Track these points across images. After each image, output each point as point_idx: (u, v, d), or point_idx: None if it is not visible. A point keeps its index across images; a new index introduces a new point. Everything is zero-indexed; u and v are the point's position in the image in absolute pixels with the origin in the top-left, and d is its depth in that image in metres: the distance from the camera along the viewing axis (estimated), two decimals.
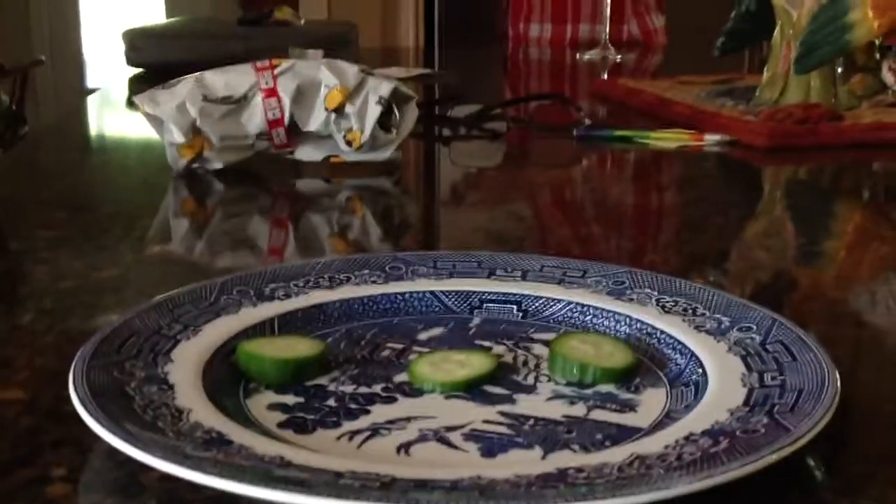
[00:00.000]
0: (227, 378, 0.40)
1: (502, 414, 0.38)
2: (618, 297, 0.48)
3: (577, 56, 1.77)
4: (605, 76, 1.57)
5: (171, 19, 2.42)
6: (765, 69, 1.11)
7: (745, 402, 0.36)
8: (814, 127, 0.96)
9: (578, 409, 0.38)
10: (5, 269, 0.62)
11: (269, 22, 1.64)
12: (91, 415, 0.33)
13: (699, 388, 0.39)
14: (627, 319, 0.45)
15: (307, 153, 0.83)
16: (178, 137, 0.78)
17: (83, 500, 0.33)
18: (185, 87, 0.79)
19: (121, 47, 1.54)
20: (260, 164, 0.83)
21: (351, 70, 0.82)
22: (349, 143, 0.82)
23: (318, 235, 0.70)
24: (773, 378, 0.38)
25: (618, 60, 1.72)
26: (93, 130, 1.26)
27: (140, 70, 1.53)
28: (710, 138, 0.95)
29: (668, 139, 0.97)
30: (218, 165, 0.81)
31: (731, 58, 1.30)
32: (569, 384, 0.40)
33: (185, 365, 0.40)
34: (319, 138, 0.83)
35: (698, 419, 0.35)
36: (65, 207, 0.76)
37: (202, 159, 0.80)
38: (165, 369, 0.39)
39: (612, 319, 0.46)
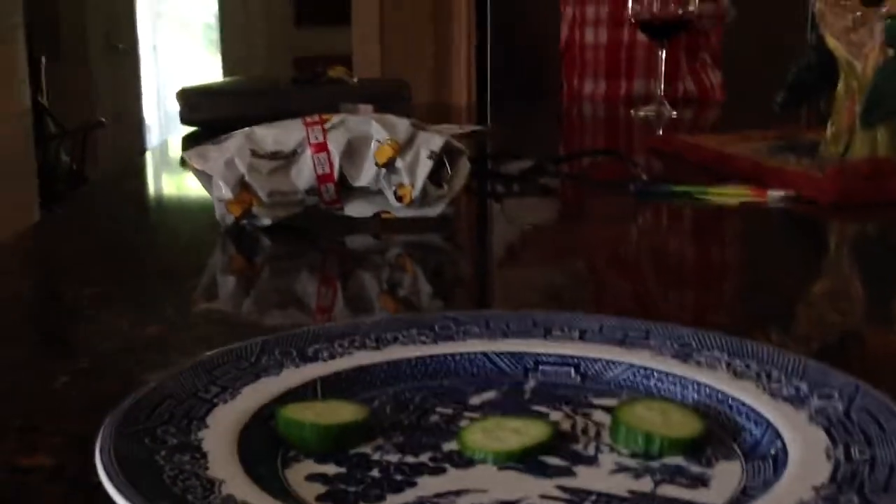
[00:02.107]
0: (265, 445, 0.37)
1: (561, 488, 0.35)
2: (684, 360, 0.44)
3: (632, 112, 1.75)
4: (661, 132, 1.55)
5: (227, 79, 2.45)
6: (829, 124, 1.07)
7: (832, 479, 0.33)
8: (882, 182, 0.92)
9: (645, 484, 0.35)
10: (46, 329, 0.61)
11: (322, 81, 1.64)
12: (116, 487, 0.31)
13: (778, 461, 0.35)
14: (695, 385, 0.42)
15: (357, 209, 0.81)
16: (227, 193, 0.77)
17: None
18: (233, 143, 0.78)
19: (177, 107, 1.55)
20: (309, 221, 0.82)
21: (402, 124, 0.80)
22: (400, 199, 0.80)
23: (367, 293, 0.68)
24: (860, 452, 0.34)
25: (673, 116, 1.69)
26: (145, 188, 1.26)
27: (194, 128, 1.54)
28: (773, 194, 0.92)
29: (728, 195, 0.93)
30: (267, 222, 0.79)
31: (790, 114, 1.26)
32: (633, 455, 0.37)
33: (220, 431, 0.37)
34: (369, 194, 0.81)
35: (781, 498, 0.32)
36: (112, 264, 0.75)
37: (251, 216, 0.79)
38: (199, 436, 0.36)
39: (678, 384, 0.43)
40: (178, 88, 1.58)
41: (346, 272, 0.74)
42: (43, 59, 4.05)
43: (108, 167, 3.88)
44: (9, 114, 3.06)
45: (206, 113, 1.50)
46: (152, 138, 4.59)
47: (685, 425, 0.38)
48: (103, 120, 3.68)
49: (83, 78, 4.32)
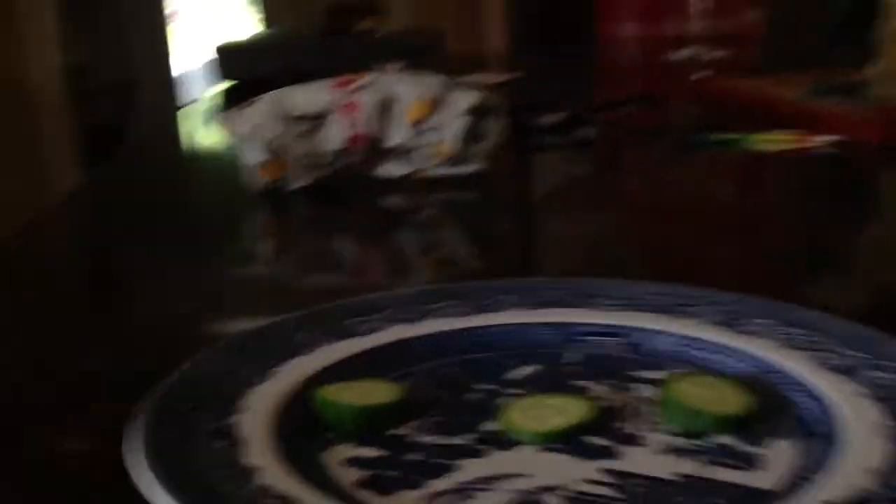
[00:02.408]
0: (302, 426, 0.37)
1: (605, 471, 0.34)
2: (731, 328, 0.43)
3: (668, 55, 1.71)
4: (699, 75, 1.51)
5: (259, 33, 2.43)
6: (874, 64, 1.03)
7: (888, 459, 0.31)
8: None
9: (693, 466, 0.34)
10: (79, 303, 0.60)
11: (352, 32, 1.62)
12: (145, 480, 0.30)
13: (831, 439, 0.34)
14: (744, 355, 0.41)
15: (390, 169, 0.80)
16: (256, 157, 0.76)
17: None
18: (262, 107, 0.76)
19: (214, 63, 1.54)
20: (341, 183, 0.80)
21: (433, 81, 0.78)
22: (433, 158, 0.78)
23: (403, 256, 0.67)
24: None
25: (712, 57, 1.65)
26: (180, 147, 1.25)
27: (230, 84, 1.53)
28: (820, 139, 0.89)
29: (773, 141, 0.91)
30: (298, 185, 0.78)
31: (832, 54, 1.22)
32: (680, 434, 0.36)
33: (255, 415, 0.36)
34: (402, 153, 0.79)
35: (836, 483, 0.30)
36: (146, 232, 0.74)
37: (281, 179, 0.77)
38: (234, 420, 0.36)
39: (726, 355, 0.41)
40: (213, 45, 1.56)
41: (381, 234, 0.73)
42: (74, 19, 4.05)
43: (146, 123, 3.89)
44: (42, 70, 3.05)
45: (242, 70, 1.49)
46: (188, 93, 4.58)
47: (734, 401, 0.37)
48: (137, 79, 3.69)
49: (119, 34, 4.30)
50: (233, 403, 0.37)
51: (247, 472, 0.32)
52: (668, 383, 0.38)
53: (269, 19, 4.52)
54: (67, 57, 3.06)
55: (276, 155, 0.76)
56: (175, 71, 4.62)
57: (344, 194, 0.80)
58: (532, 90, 1.43)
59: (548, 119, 1.01)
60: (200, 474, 0.32)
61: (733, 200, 0.81)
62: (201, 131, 1.33)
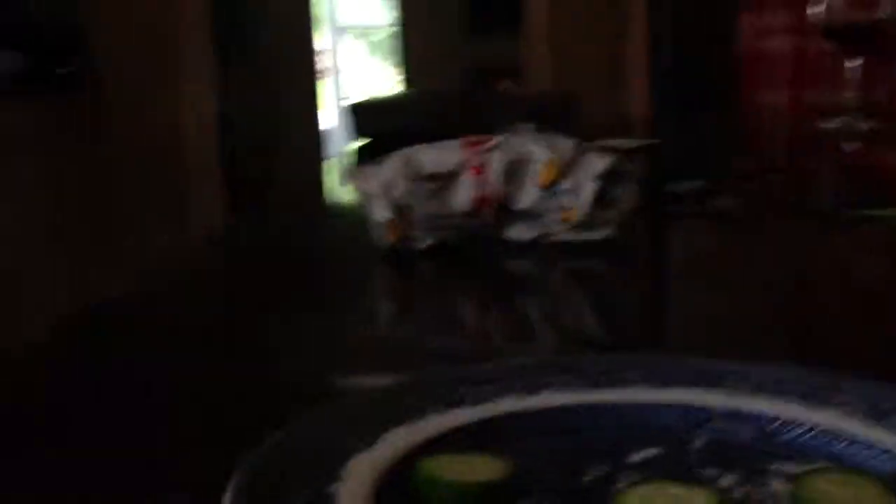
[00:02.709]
0: (405, 499, 0.35)
1: None
2: (878, 420, 0.39)
3: (819, 124, 1.64)
4: (849, 146, 1.44)
5: (398, 92, 2.48)
6: None
7: None
8: None
9: None
10: (204, 352, 0.60)
11: (492, 95, 1.62)
12: None
13: None
14: (891, 453, 0.37)
15: (518, 232, 0.78)
16: (385, 215, 0.75)
17: None
18: (393, 164, 0.76)
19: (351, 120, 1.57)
20: (469, 244, 0.79)
21: (565, 144, 0.76)
22: (563, 222, 0.76)
23: (526, 322, 0.65)
24: None
25: (862, 128, 1.57)
26: (318, 201, 1.27)
27: (365, 141, 1.55)
28: None
29: None
30: (425, 245, 0.77)
31: None
32: None
33: (355, 485, 0.34)
34: (531, 217, 0.78)
35: None
36: (276, 284, 0.74)
37: (408, 238, 0.77)
38: (332, 489, 0.34)
39: (872, 451, 0.37)
40: (351, 102, 1.59)
41: (505, 298, 0.71)
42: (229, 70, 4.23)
43: (291, 177, 4.01)
44: (196, 120, 3.18)
45: (376, 127, 1.51)
46: (333, 147, 4.72)
47: (876, 502, 0.33)
48: (285, 133, 3.82)
49: (271, 89, 4.46)
50: (331, 472, 0.35)
51: None
52: (803, 479, 0.34)
53: (413, 79, 4.61)
54: (222, 107, 3.19)
55: (404, 213, 0.75)
56: (322, 126, 4.76)
57: (470, 256, 0.79)
58: (670, 157, 1.40)
59: (685, 187, 0.98)
60: None
61: (883, 279, 0.76)
62: (338, 187, 1.35)
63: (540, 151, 0.76)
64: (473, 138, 0.77)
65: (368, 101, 1.62)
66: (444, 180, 0.76)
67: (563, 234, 0.77)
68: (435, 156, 0.77)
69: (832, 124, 1.61)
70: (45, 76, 2.63)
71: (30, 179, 2.54)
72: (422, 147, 0.77)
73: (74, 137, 2.76)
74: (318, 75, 4.54)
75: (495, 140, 0.77)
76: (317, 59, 4.52)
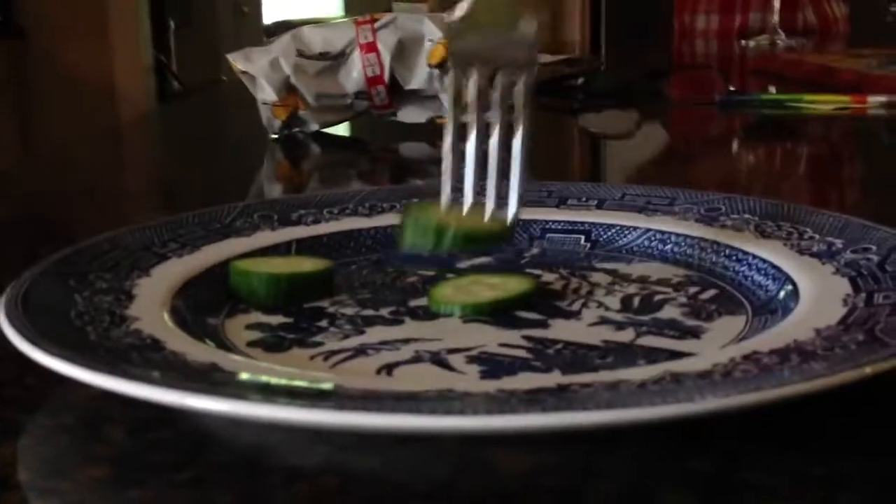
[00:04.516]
0: (213, 299, 0.34)
1: (526, 338, 0.30)
2: (709, 223, 0.38)
3: (743, 42, 1.64)
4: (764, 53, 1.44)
5: None
6: None
7: (841, 322, 0.27)
8: None
9: (625, 335, 0.30)
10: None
11: None
12: (5, 307, 0.28)
13: (788, 311, 0.30)
14: (714, 246, 0.36)
15: (410, 114, 0.77)
16: (271, 95, 0.74)
17: None
18: (279, 44, 0.74)
19: None
20: (360, 127, 0.78)
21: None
22: None
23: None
24: (885, 297, 0.28)
25: (791, 45, 1.57)
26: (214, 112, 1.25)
27: None
28: (875, 99, 0.83)
29: (824, 102, 0.85)
30: (315, 127, 0.76)
31: None
32: (622, 310, 0.32)
33: (161, 280, 0.34)
34: (423, 98, 0.76)
35: (771, 339, 0.26)
36: (152, 174, 0.73)
37: (298, 120, 0.75)
38: (135, 282, 0.33)
39: (696, 247, 0.37)
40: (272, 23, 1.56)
41: (398, 182, 0.70)
42: (172, 24, 4.16)
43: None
44: (131, 70, 3.13)
45: None
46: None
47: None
48: (224, 78, 3.75)
49: (211, 41, 4.41)
50: (140, 270, 0.34)
51: (123, 320, 0.29)
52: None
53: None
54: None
55: (293, 93, 0.74)
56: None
57: (362, 139, 0.78)
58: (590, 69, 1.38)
59: (597, 85, 0.98)
60: (70, 319, 0.29)
61: (778, 159, 0.76)
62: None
63: (432, 29, 0.75)
64: (364, 17, 0.76)
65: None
66: (334, 59, 0.74)
67: None
68: (324, 33, 0.75)
69: (755, 41, 1.61)
70: None
71: None
72: (310, 26, 0.76)
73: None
74: (258, 25, 4.47)
75: (385, 18, 0.75)
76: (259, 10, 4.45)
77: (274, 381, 0.24)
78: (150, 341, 0.28)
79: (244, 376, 0.25)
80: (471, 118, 0.34)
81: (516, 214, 0.34)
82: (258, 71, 0.74)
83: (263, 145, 0.76)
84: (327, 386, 0.24)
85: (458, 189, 0.34)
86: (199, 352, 0.27)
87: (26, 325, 0.27)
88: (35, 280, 0.31)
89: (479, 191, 0.34)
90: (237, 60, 0.75)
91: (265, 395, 0.23)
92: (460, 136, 0.34)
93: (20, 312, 0.28)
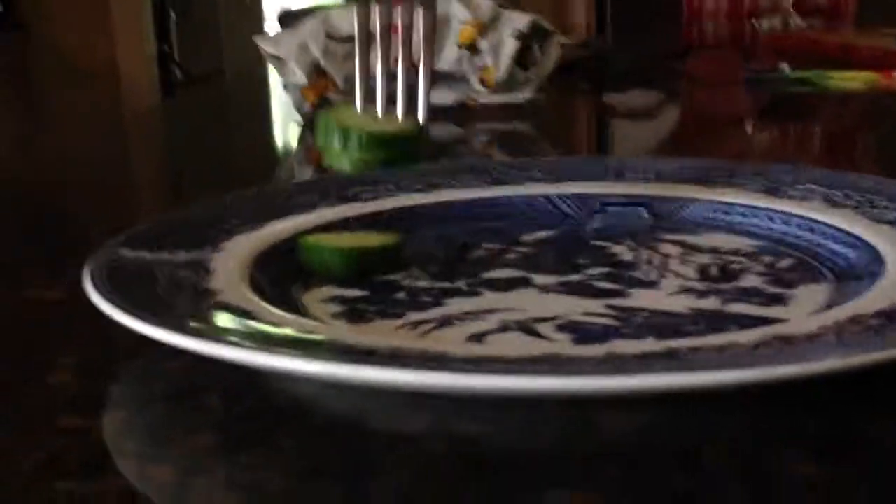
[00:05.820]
0: (286, 273, 0.34)
1: (609, 307, 0.30)
2: (774, 194, 0.38)
3: (754, 22, 1.64)
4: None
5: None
6: None
7: None
8: None
9: (710, 303, 0.30)
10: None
11: None
12: (97, 291, 0.28)
13: (876, 279, 0.29)
14: (783, 216, 0.36)
15: (438, 95, 0.77)
16: (301, 78, 0.73)
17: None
18: (308, 26, 0.74)
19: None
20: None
21: (485, 3, 0.75)
22: (483, 83, 0.75)
23: None
24: None
25: (801, 26, 1.57)
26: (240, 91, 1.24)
27: None
28: None
29: (852, 79, 0.85)
30: None
31: None
32: (702, 279, 0.32)
33: (234, 255, 0.33)
34: (452, 79, 0.76)
35: (870, 302, 0.26)
36: (187, 156, 0.73)
37: (328, 103, 0.75)
38: (210, 256, 0.33)
39: (764, 218, 0.37)
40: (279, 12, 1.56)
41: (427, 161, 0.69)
42: (173, 14, 4.15)
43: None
44: (135, 60, 3.13)
45: None
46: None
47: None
48: (223, 70, 3.75)
49: (212, 31, 4.41)
50: (212, 245, 0.34)
51: (206, 293, 0.29)
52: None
53: None
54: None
55: (322, 76, 0.73)
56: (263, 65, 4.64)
57: None
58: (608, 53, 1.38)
59: (619, 63, 0.97)
60: (156, 293, 0.29)
61: (808, 136, 0.76)
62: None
63: (460, 10, 0.74)
64: None
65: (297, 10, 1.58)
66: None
67: (484, 97, 0.76)
68: (352, 17, 0.74)
69: (767, 21, 1.60)
70: None
71: None
72: (339, 8, 0.75)
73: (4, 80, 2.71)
74: (259, 16, 4.46)
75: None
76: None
77: (382, 344, 0.24)
78: (240, 313, 0.27)
79: (353, 341, 0.25)
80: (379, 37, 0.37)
81: (425, 118, 0.35)
82: (287, 54, 0.73)
83: (291, 128, 0.75)
84: (436, 349, 0.24)
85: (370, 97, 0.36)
86: (292, 322, 0.27)
87: (120, 297, 0.27)
88: (113, 255, 0.31)
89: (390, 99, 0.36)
90: (265, 44, 0.74)
91: (376, 360, 0.23)
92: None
93: (109, 287, 0.28)
